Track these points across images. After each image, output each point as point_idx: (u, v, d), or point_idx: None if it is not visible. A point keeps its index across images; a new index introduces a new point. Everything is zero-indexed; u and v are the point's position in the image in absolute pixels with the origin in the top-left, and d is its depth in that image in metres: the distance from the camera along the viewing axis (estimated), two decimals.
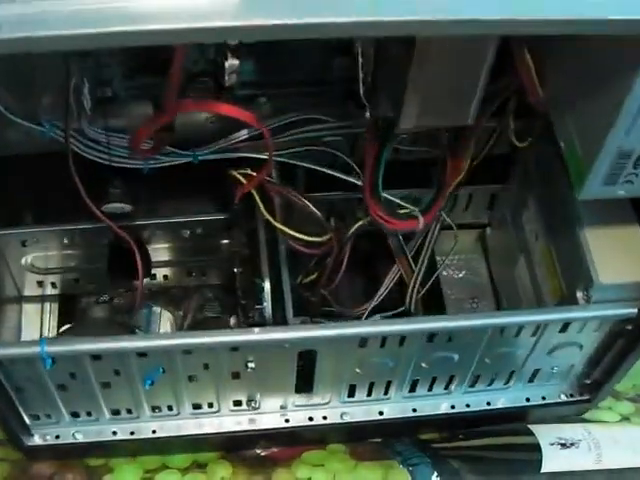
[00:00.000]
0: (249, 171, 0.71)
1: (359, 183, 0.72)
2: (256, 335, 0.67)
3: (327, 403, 0.80)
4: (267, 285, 0.69)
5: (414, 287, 0.81)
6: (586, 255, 0.69)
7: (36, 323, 0.88)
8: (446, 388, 0.81)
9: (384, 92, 0.62)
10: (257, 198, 0.70)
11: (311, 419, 0.81)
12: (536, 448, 0.85)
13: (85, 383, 0.71)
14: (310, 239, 0.72)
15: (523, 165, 0.82)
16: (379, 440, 0.87)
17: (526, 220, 0.83)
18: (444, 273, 0.96)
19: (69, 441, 0.79)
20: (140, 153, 0.68)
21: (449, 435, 0.88)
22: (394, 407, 0.82)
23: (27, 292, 0.87)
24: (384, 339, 0.70)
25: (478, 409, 0.83)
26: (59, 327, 0.87)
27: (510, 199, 0.87)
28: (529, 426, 0.87)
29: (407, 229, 0.73)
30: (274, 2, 0.42)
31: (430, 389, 0.80)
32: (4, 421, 0.74)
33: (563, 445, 0.85)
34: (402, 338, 0.71)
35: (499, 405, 0.83)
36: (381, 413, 0.82)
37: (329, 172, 0.73)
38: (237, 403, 0.78)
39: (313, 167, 0.73)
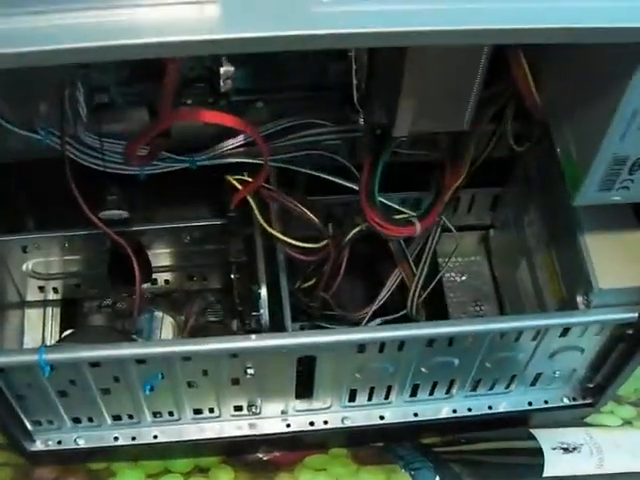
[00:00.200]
0: (245, 177, 0.70)
1: (356, 188, 0.71)
2: (253, 342, 0.67)
3: (328, 408, 0.80)
4: (264, 291, 0.69)
5: (415, 290, 0.81)
6: (586, 260, 0.69)
7: (38, 328, 0.88)
8: (447, 392, 0.80)
9: (378, 99, 0.62)
10: (253, 204, 0.70)
11: (312, 424, 0.81)
12: (538, 452, 0.85)
13: (85, 389, 0.72)
14: (306, 246, 0.72)
15: (524, 168, 0.82)
16: (381, 444, 0.87)
17: (527, 223, 0.82)
18: (446, 276, 0.96)
19: (71, 446, 0.79)
20: (136, 161, 0.68)
21: (451, 439, 0.87)
22: (395, 411, 0.81)
23: (29, 297, 0.87)
24: (382, 344, 0.70)
25: (480, 413, 0.82)
26: (61, 332, 0.87)
27: (512, 201, 0.87)
28: (531, 430, 0.86)
29: (404, 235, 0.73)
30: (257, 16, 0.41)
31: (431, 393, 0.80)
32: (6, 427, 0.74)
33: (565, 449, 0.85)
34: (401, 343, 0.70)
35: (501, 409, 0.83)
36: (382, 418, 0.81)
37: (327, 177, 0.72)
38: (238, 408, 0.78)
39: (310, 172, 0.72)
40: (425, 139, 0.77)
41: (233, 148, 0.72)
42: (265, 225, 0.69)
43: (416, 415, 0.82)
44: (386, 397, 0.80)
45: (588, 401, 0.84)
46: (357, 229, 0.73)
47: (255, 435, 0.80)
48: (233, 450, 0.83)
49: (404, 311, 0.82)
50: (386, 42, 0.43)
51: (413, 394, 0.80)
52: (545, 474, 0.83)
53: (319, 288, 0.79)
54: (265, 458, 0.85)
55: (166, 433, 0.80)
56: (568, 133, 0.59)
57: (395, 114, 0.60)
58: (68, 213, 0.76)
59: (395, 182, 0.71)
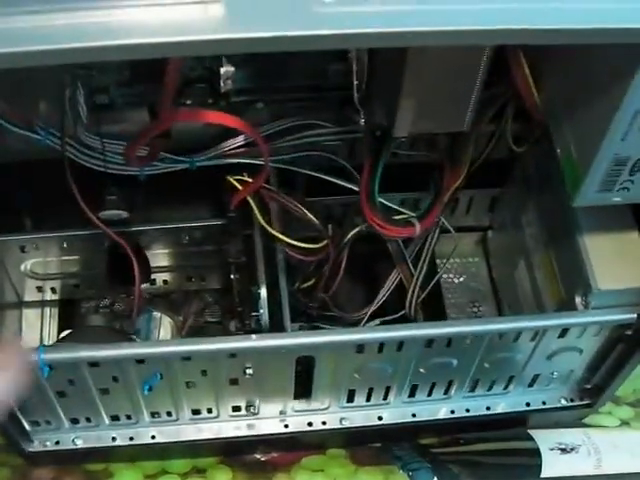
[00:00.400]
0: (246, 177, 0.70)
1: (356, 189, 0.71)
2: (253, 342, 0.67)
3: (326, 408, 0.80)
4: (263, 292, 0.69)
5: (414, 291, 0.81)
6: (585, 261, 0.69)
7: (36, 328, 0.88)
8: (445, 393, 0.80)
9: (378, 99, 0.62)
10: (253, 205, 0.70)
11: (310, 424, 0.81)
12: (536, 453, 0.85)
13: (84, 390, 0.71)
14: (306, 246, 0.72)
15: (522, 170, 0.82)
16: (379, 445, 0.87)
17: (526, 224, 0.83)
18: (444, 277, 0.96)
19: (69, 447, 0.78)
20: (136, 161, 0.68)
21: (449, 440, 0.87)
22: (393, 412, 0.81)
23: (27, 298, 0.87)
24: (382, 345, 0.70)
25: (478, 414, 0.82)
26: (59, 332, 0.87)
27: (510, 202, 0.87)
28: (529, 431, 0.86)
29: (404, 236, 0.73)
30: (261, 16, 0.41)
31: (429, 394, 0.80)
32: (4, 427, 0.74)
33: (563, 450, 0.85)
34: (400, 344, 0.70)
35: (499, 410, 0.83)
36: (380, 418, 0.81)
37: (326, 178, 0.72)
38: (236, 409, 0.78)
39: (310, 173, 0.72)
40: (424, 140, 0.77)
41: (232, 149, 0.71)
42: (265, 225, 0.69)
43: (414, 416, 0.82)
44: (384, 398, 0.80)
45: (586, 402, 0.84)
46: (357, 229, 0.74)
47: (253, 435, 0.80)
48: (231, 451, 0.83)
49: (402, 312, 0.82)
50: (389, 42, 0.43)
51: (411, 395, 0.80)
52: (543, 475, 0.83)
53: (318, 288, 0.79)
54: (263, 459, 0.85)
55: (164, 433, 0.80)
56: (568, 133, 0.60)
57: (395, 115, 0.60)
58: (67, 213, 0.76)
59: (394, 183, 0.71)
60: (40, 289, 0.86)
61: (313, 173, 0.72)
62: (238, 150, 0.71)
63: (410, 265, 0.81)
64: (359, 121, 0.66)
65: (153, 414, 0.78)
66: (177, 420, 0.79)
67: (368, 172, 0.68)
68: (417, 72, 0.57)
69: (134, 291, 0.82)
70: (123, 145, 0.69)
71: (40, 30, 0.41)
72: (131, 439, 0.79)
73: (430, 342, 0.71)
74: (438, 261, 0.91)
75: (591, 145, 0.56)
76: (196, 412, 0.78)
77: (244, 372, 0.71)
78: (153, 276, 0.85)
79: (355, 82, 0.62)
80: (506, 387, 0.81)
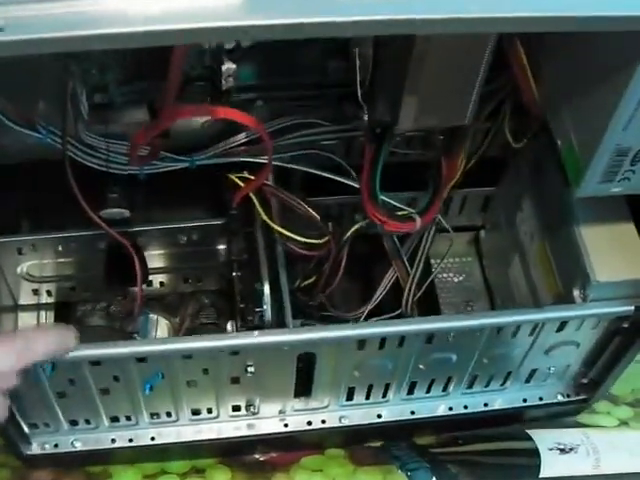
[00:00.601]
0: (247, 175, 0.71)
1: (356, 185, 0.72)
2: (256, 338, 0.67)
3: (326, 407, 0.80)
4: (267, 288, 0.69)
5: (410, 289, 0.81)
6: (582, 253, 0.70)
7: None
8: (444, 390, 0.81)
9: (382, 94, 0.63)
10: (256, 201, 0.70)
11: (310, 423, 0.81)
12: (535, 453, 0.85)
13: (84, 390, 0.71)
14: (308, 241, 0.72)
15: (516, 166, 0.83)
16: (378, 445, 0.87)
17: (520, 221, 0.83)
18: (439, 276, 0.97)
19: (68, 449, 0.78)
20: (137, 160, 0.68)
21: (448, 440, 0.88)
22: (392, 410, 0.82)
23: (23, 301, 0.86)
24: (383, 340, 0.70)
25: (476, 410, 0.83)
26: None
27: (504, 200, 0.88)
28: (527, 431, 0.87)
29: (405, 230, 0.73)
30: (281, 2, 0.42)
31: (428, 391, 0.80)
32: (3, 430, 0.73)
33: (562, 450, 0.85)
34: (401, 340, 0.71)
35: (496, 406, 0.84)
36: (379, 416, 0.82)
37: (326, 175, 0.73)
38: (236, 408, 0.78)
39: (310, 170, 0.73)
40: (420, 138, 0.78)
41: (232, 147, 0.72)
42: (268, 220, 0.70)
43: (413, 413, 0.82)
44: (384, 395, 0.80)
45: (582, 397, 0.85)
46: (357, 226, 0.74)
47: (253, 435, 0.80)
48: (231, 451, 0.83)
49: (399, 311, 0.83)
50: (411, 29, 0.44)
51: (410, 392, 0.80)
52: (542, 475, 0.84)
53: (318, 286, 0.80)
54: (262, 459, 0.85)
55: (164, 435, 0.79)
56: (569, 125, 0.60)
57: (399, 109, 0.61)
58: (64, 215, 0.77)
59: (391, 182, 0.72)
60: (36, 292, 0.86)
61: (314, 171, 0.73)
62: (238, 149, 0.72)
63: (406, 263, 0.81)
64: (360, 117, 0.67)
65: (153, 415, 0.77)
66: (177, 421, 0.78)
67: (369, 168, 0.69)
68: (420, 67, 0.58)
69: (131, 293, 0.82)
70: (123, 144, 0.69)
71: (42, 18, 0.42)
72: (130, 441, 0.79)
73: (430, 338, 0.71)
74: (432, 261, 0.92)
75: (593, 136, 0.56)
76: (196, 412, 0.78)
77: (246, 370, 0.71)
78: (150, 278, 0.85)
79: (359, 78, 0.62)
80: (503, 383, 0.82)
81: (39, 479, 0.81)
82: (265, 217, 0.70)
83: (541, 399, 0.85)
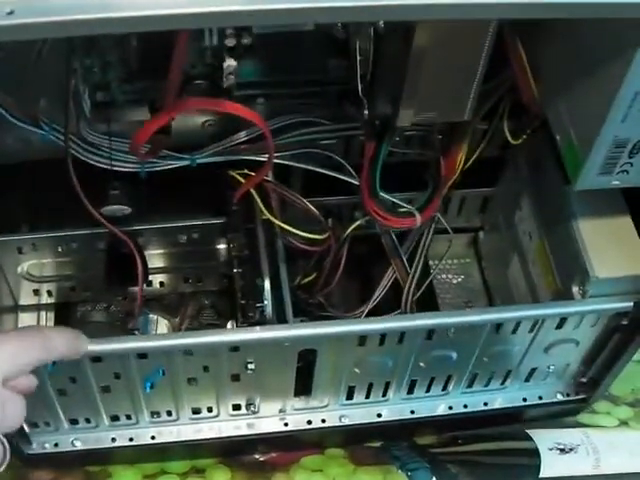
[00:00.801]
0: (247, 172, 0.71)
1: (356, 183, 0.72)
2: (258, 334, 0.67)
3: (325, 406, 0.80)
4: (267, 284, 0.70)
5: (410, 289, 0.82)
6: (581, 250, 0.70)
7: None
8: (444, 389, 0.81)
9: (382, 89, 0.63)
10: (256, 196, 0.71)
11: (310, 422, 0.81)
12: (534, 453, 0.85)
13: (85, 388, 0.71)
14: (310, 236, 0.72)
15: (515, 164, 0.83)
16: (378, 445, 0.87)
17: (519, 220, 0.84)
18: (438, 277, 0.97)
19: (68, 449, 0.78)
20: (139, 155, 0.68)
21: (448, 440, 0.88)
22: (392, 409, 0.82)
23: (23, 301, 0.86)
24: (383, 337, 0.71)
25: (475, 410, 0.83)
26: None
27: (503, 200, 0.88)
28: (527, 431, 0.87)
29: (405, 226, 0.74)
30: None
31: (428, 390, 0.81)
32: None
33: (562, 450, 0.86)
34: (401, 336, 0.71)
35: (496, 405, 0.84)
36: (379, 415, 0.82)
37: (327, 172, 0.73)
38: (236, 407, 0.78)
39: (311, 168, 0.73)
40: (419, 137, 0.78)
41: (233, 145, 0.72)
42: (269, 215, 0.70)
43: (413, 412, 0.82)
44: (384, 394, 0.80)
45: (581, 396, 0.85)
46: (357, 223, 0.75)
47: (253, 434, 0.80)
48: (231, 450, 0.83)
49: (398, 311, 0.83)
50: (422, 15, 0.45)
51: (410, 391, 0.80)
52: (542, 475, 0.84)
53: (319, 284, 0.80)
54: (262, 458, 0.85)
55: (164, 434, 0.79)
56: (567, 119, 0.61)
57: (398, 104, 0.61)
58: (65, 214, 0.77)
59: (391, 182, 0.72)
60: (36, 292, 0.86)
61: (314, 168, 0.73)
62: (238, 147, 0.72)
63: (405, 263, 0.82)
64: (358, 117, 0.67)
65: (153, 414, 0.78)
66: (177, 420, 0.78)
67: (369, 165, 0.69)
68: (420, 61, 0.58)
69: (131, 293, 0.83)
70: (125, 142, 0.69)
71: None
72: (131, 440, 0.79)
73: (430, 334, 0.72)
74: (430, 262, 0.92)
75: (591, 128, 0.57)
76: (196, 411, 0.78)
77: (246, 367, 0.71)
78: (150, 277, 0.85)
79: (359, 72, 0.63)
80: (503, 382, 0.82)
81: (39, 478, 0.81)
82: (266, 212, 0.70)
83: (541, 398, 0.85)
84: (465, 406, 0.83)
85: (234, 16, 0.42)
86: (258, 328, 0.67)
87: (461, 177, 0.77)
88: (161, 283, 0.87)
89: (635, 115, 0.54)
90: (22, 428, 0.75)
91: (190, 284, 0.88)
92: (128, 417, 0.77)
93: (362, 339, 0.71)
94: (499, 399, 0.84)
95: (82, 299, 0.86)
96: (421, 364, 0.76)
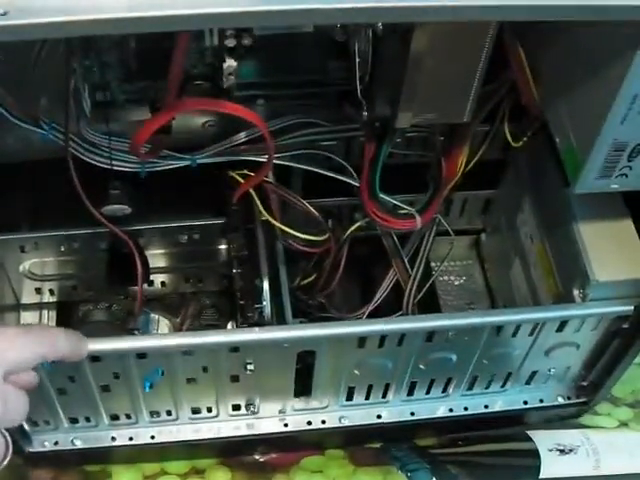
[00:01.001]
0: (247, 172, 0.71)
1: (356, 184, 0.72)
2: (257, 334, 0.67)
3: (325, 407, 0.80)
4: (266, 285, 0.70)
5: (411, 290, 0.82)
6: (582, 253, 0.70)
7: None
8: (444, 391, 0.81)
9: (381, 91, 0.63)
10: (255, 197, 0.71)
11: (310, 423, 0.81)
12: (534, 454, 0.85)
13: (84, 387, 0.71)
14: (309, 237, 0.72)
15: (517, 167, 0.83)
16: (378, 446, 0.87)
17: (520, 223, 0.84)
18: (440, 279, 0.97)
19: (68, 447, 0.78)
20: (139, 154, 0.68)
21: (448, 441, 0.88)
22: (392, 411, 0.82)
23: (25, 299, 0.87)
24: (383, 339, 0.71)
25: (476, 412, 0.83)
26: None
27: (505, 203, 0.88)
28: (527, 432, 0.87)
29: (405, 228, 0.74)
30: None
31: (428, 392, 0.80)
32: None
33: (561, 451, 0.85)
34: (401, 338, 0.71)
35: (497, 408, 0.84)
36: (379, 417, 0.82)
37: (327, 173, 0.73)
38: (236, 407, 0.78)
39: (311, 169, 0.73)
40: (420, 139, 0.78)
41: (233, 146, 0.72)
42: (268, 216, 0.70)
43: (413, 414, 0.82)
44: (383, 396, 0.80)
45: (582, 400, 0.85)
46: (357, 224, 0.75)
47: (253, 435, 0.80)
48: (230, 451, 0.83)
49: (400, 313, 0.83)
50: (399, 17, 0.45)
51: (410, 393, 0.80)
52: (541, 475, 0.84)
53: (318, 285, 0.80)
54: (262, 459, 0.85)
55: (163, 433, 0.79)
56: (567, 122, 0.61)
57: (397, 105, 0.61)
58: (67, 213, 0.77)
59: (392, 184, 0.72)
60: (39, 291, 0.86)
61: (315, 169, 0.73)
62: (239, 147, 0.72)
63: (407, 264, 0.82)
64: (360, 116, 0.67)
65: (153, 413, 0.78)
66: (177, 419, 0.79)
67: (369, 166, 0.69)
68: (419, 62, 0.58)
69: (132, 292, 0.83)
70: (125, 141, 0.69)
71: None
72: (130, 439, 0.79)
73: (430, 336, 0.71)
74: (433, 265, 0.92)
75: (591, 131, 0.57)
76: (196, 411, 0.78)
77: (245, 368, 0.71)
78: (151, 277, 0.85)
79: (358, 74, 0.62)
80: (504, 385, 0.82)
81: (39, 478, 0.81)
82: (265, 213, 0.70)
83: (542, 401, 0.84)
84: (465, 408, 0.83)
85: (234, 17, 0.42)
86: (257, 329, 0.67)
87: (463, 179, 0.76)
88: (162, 283, 0.87)
89: (634, 118, 0.54)
90: (22, 426, 0.76)
91: (191, 284, 0.88)
92: (128, 416, 0.77)
93: (361, 341, 0.71)
94: (500, 402, 0.84)
95: (84, 298, 0.87)
96: (421, 366, 0.76)
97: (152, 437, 0.79)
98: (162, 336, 0.77)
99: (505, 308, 0.91)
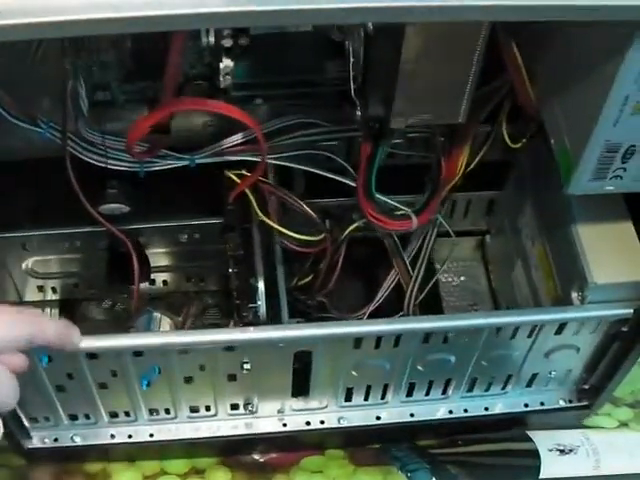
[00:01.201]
0: (244, 172, 0.71)
1: (354, 184, 0.72)
2: (251, 334, 0.67)
3: (324, 407, 0.80)
4: (261, 284, 0.70)
5: (412, 291, 0.82)
6: (580, 255, 0.70)
7: None
8: (444, 393, 0.81)
9: (374, 91, 0.63)
10: (252, 197, 0.71)
11: (308, 423, 0.81)
12: (534, 454, 0.85)
13: (82, 384, 0.72)
14: (304, 238, 0.72)
15: (519, 169, 0.82)
16: (378, 446, 0.87)
17: (522, 224, 0.83)
18: (443, 280, 0.96)
19: (68, 444, 0.79)
20: (134, 153, 0.68)
21: (448, 441, 0.87)
22: (392, 412, 0.82)
23: (28, 297, 0.87)
24: (379, 340, 0.70)
25: (476, 414, 0.83)
26: None
27: (508, 204, 0.88)
28: (527, 432, 0.86)
29: (401, 229, 0.73)
30: None
31: (427, 393, 0.80)
32: (3, 423, 0.74)
33: (561, 451, 0.85)
34: (397, 339, 0.71)
35: (497, 410, 0.83)
36: (379, 418, 0.82)
37: (325, 174, 0.73)
38: (234, 407, 0.78)
39: (310, 169, 0.73)
40: (421, 140, 0.78)
41: (232, 146, 0.72)
42: (263, 217, 0.70)
43: (412, 416, 0.82)
44: (382, 397, 0.80)
45: (584, 403, 0.84)
46: (354, 225, 0.74)
47: (251, 434, 0.81)
48: (229, 450, 0.83)
49: (401, 313, 0.83)
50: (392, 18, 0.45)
51: (409, 394, 0.80)
52: (541, 476, 0.83)
53: (315, 285, 0.80)
54: (261, 460, 0.85)
55: (162, 432, 0.80)
56: (562, 123, 0.60)
57: (391, 106, 0.61)
58: (68, 211, 0.77)
59: (390, 185, 0.72)
60: (41, 288, 0.87)
61: (313, 170, 0.73)
62: (237, 147, 0.72)
63: (408, 265, 0.82)
64: (356, 114, 0.67)
65: (151, 411, 0.78)
66: (175, 418, 0.79)
67: (365, 166, 0.69)
68: (412, 63, 0.58)
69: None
70: (123, 141, 0.70)
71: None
72: (130, 437, 0.79)
73: (427, 337, 0.71)
74: (437, 266, 0.92)
75: (583, 132, 0.56)
76: (194, 410, 0.78)
77: (242, 367, 0.71)
78: (153, 276, 0.86)
79: (352, 74, 0.62)
80: (504, 387, 0.81)
81: (39, 479, 0.81)
82: (261, 214, 0.70)
83: (543, 404, 0.84)
84: (465, 410, 0.83)
85: (230, 17, 0.43)
86: (252, 328, 0.67)
87: (467, 180, 0.76)
88: (164, 282, 0.88)
89: (626, 119, 0.54)
90: (22, 422, 0.76)
91: (193, 283, 0.88)
92: (127, 414, 0.78)
93: (357, 342, 0.70)
94: (500, 404, 0.83)
95: (86, 296, 0.87)
96: (419, 367, 0.76)
97: (151, 435, 0.80)
98: (156, 334, 0.77)
99: (506, 310, 0.91)
